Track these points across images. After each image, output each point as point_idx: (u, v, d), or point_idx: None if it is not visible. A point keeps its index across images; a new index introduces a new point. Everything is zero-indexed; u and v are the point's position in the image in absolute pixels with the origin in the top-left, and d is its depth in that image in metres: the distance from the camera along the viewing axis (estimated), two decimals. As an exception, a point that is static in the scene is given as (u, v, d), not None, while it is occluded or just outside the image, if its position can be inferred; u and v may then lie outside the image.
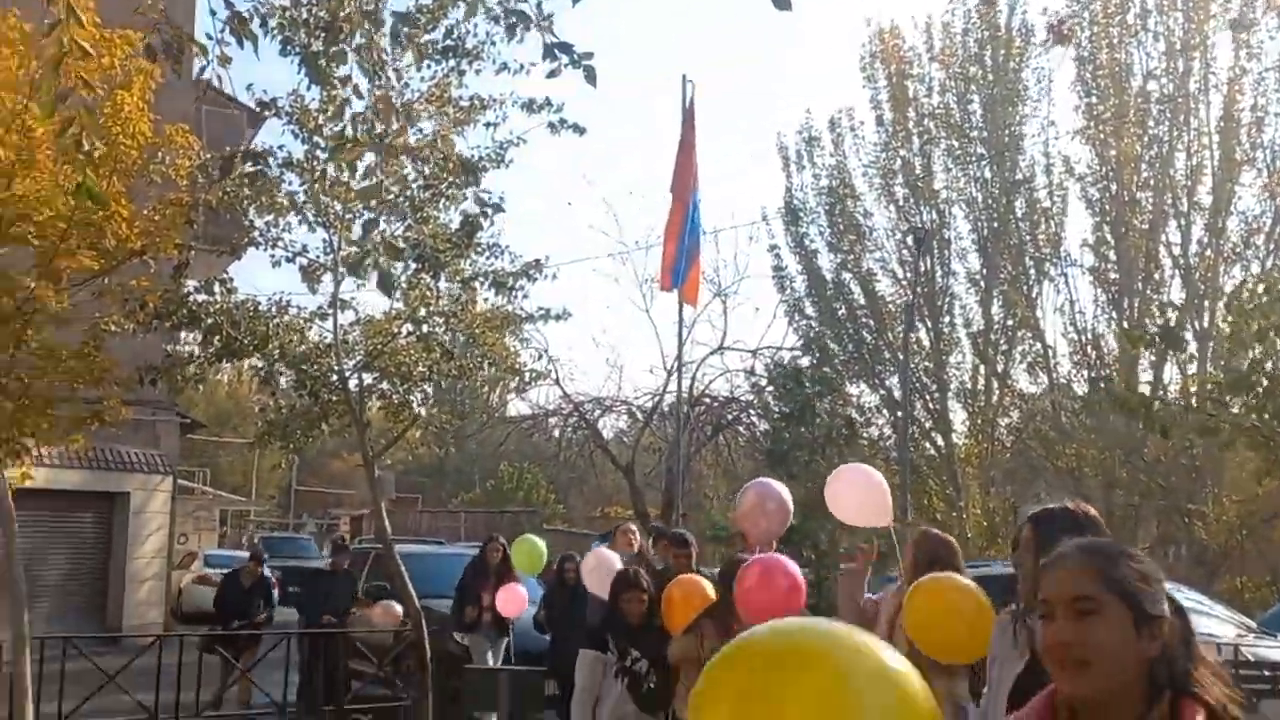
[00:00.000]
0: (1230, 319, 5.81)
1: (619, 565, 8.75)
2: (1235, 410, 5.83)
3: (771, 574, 5.50)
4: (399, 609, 11.43)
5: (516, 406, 35.41)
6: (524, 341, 12.41)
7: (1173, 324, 6.67)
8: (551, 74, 3.43)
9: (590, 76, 3.37)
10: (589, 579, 8.93)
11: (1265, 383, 5.79)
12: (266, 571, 14.07)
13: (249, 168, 8.96)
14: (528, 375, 12.08)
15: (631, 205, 61.97)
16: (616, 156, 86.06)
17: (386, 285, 6.85)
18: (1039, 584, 2.07)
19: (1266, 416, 5.58)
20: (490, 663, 11.07)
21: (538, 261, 10.43)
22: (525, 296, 10.61)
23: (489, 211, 8.94)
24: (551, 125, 9.43)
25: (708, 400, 23.96)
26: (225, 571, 24.19)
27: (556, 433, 28.48)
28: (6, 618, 9.63)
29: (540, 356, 16.62)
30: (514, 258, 10.36)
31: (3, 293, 8.57)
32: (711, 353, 23.09)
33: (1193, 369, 21.06)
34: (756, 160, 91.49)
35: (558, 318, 10.98)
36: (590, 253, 70.49)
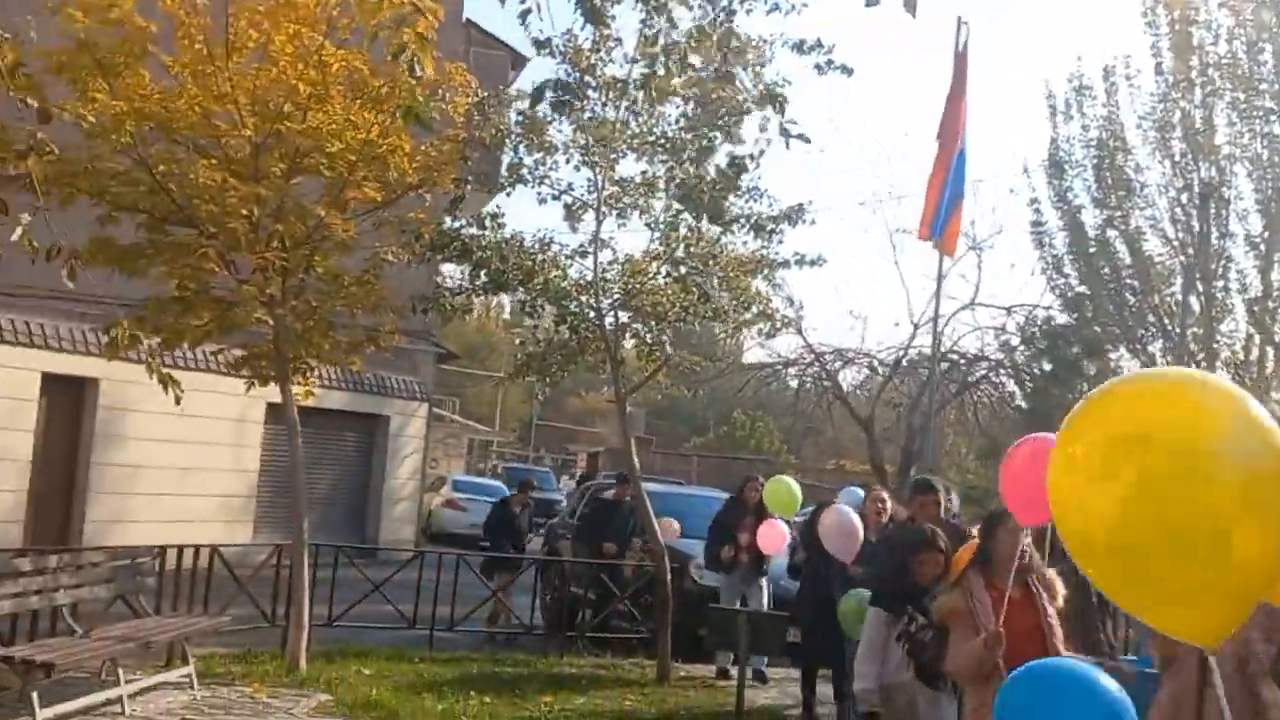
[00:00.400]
0: None
1: (858, 528, 8.52)
2: None
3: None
4: (677, 525, 11.74)
5: (754, 354, 35.40)
6: (776, 287, 12.33)
7: None
8: (871, 2, 3.30)
9: (910, 4, 3.21)
10: (828, 539, 8.65)
11: None
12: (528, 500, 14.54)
13: (552, 97, 9.30)
14: (778, 321, 12.00)
15: (888, 152, 60.49)
16: (879, 102, 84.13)
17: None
18: None
19: None
20: (746, 603, 11.04)
21: (800, 206, 10.32)
22: (782, 242, 10.53)
23: (790, 139, 8.70)
24: (818, 67, 9.26)
25: (955, 356, 23.25)
26: (472, 498, 25.33)
27: (794, 382, 28.25)
28: (286, 523, 10.37)
29: (791, 303, 16.49)
30: (772, 201, 10.29)
31: (297, 219, 9.12)
32: (962, 308, 22.34)
33: None
34: (1021, 110, 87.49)
35: (813, 263, 10.85)
36: (838, 200, 69.11)
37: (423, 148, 9.65)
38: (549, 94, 9.45)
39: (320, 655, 9.96)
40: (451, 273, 12.78)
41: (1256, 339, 23.69)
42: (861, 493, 9.70)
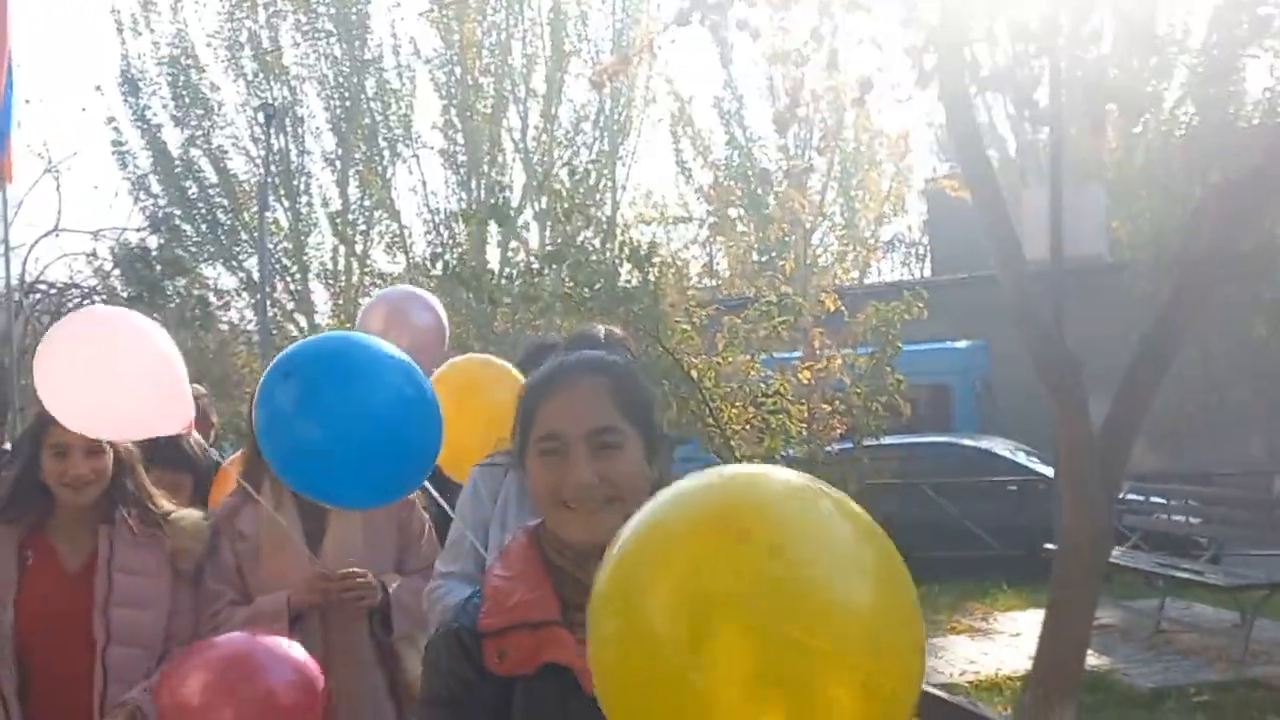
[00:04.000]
0: (548, 200, 6.54)
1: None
2: (550, 280, 6.63)
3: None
4: None
5: None
6: None
7: (503, 203, 7.36)
8: None
9: None
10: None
11: (579, 256, 6.64)
12: None
13: None
14: None
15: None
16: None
17: None
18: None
19: (575, 284, 6.43)
20: None
21: None
22: None
23: None
24: None
25: (44, 287, 21.81)
26: None
27: None
28: None
29: None
30: None
31: None
32: (45, 235, 20.97)
33: (535, 244, 23.01)
34: (85, 20, 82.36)
35: None
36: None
37: None
38: None
39: None
40: None
41: (342, 250, 25.75)
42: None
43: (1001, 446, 12.44)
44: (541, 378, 1.73)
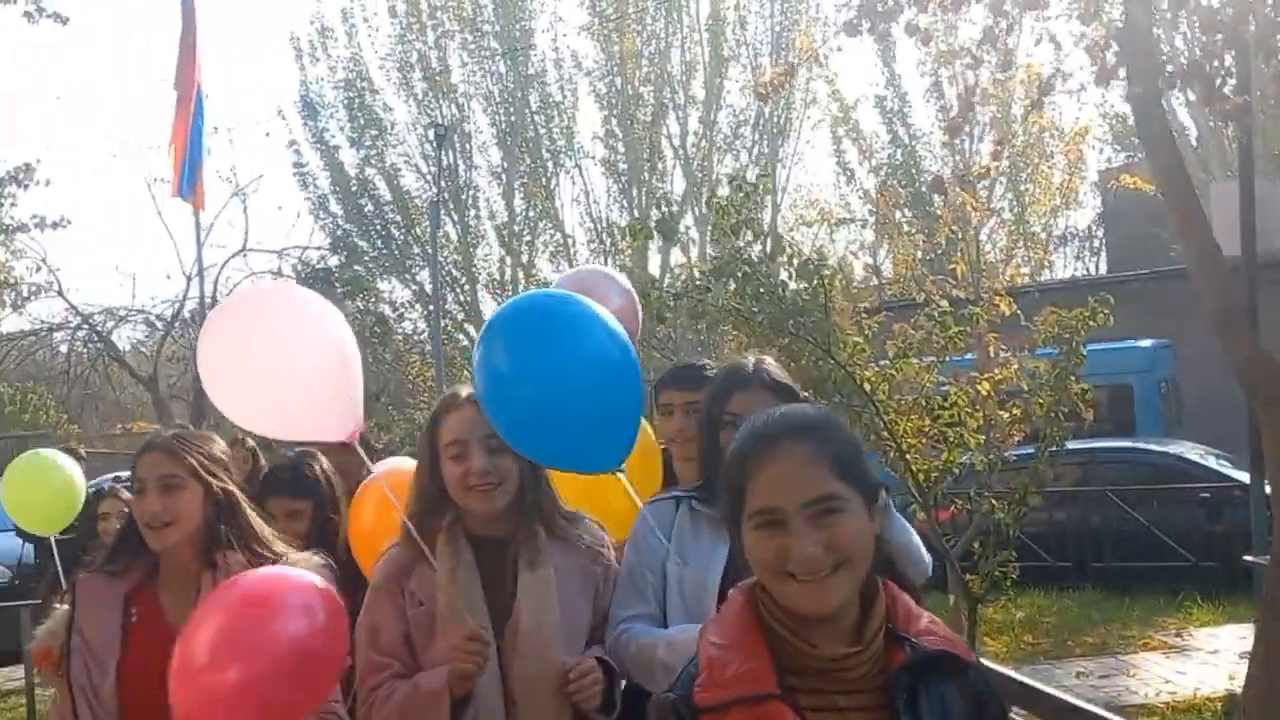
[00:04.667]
0: (713, 216, 6.54)
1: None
2: (720, 294, 6.62)
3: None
4: None
5: (11, 322, 31.92)
6: (16, 254, 11.35)
7: (669, 215, 7.41)
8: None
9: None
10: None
11: (745, 269, 6.60)
12: None
13: None
14: (25, 290, 11.08)
15: (133, 98, 56.86)
16: (113, 42, 77.95)
17: None
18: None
19: (743, 299, 6.40)
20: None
21: (28, 165, 9.54)
22: (14, 204, 9.72)
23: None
24: (28, 14, 8.60)
25: (233, 306, 22.98)
26: None
27: (64, 348, 26.11)
28: None
29: (39, 268, 15.19)
30: (-2, 162, 9.42)
31: None
32: (233, 255, 22.08)
33: (695, 254, 23.07)
34: (267, 49, 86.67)
35: (55, 225, 10.17)
36: (86, 155, 63.72)
37: None
38: None
39: None
40: None
41: (508, 261, 26.38)
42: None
43: (1192, 451, 11.83)
44: (747, 447, 1.66)
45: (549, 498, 2.70)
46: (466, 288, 26.19)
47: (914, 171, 24.33)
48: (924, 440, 6.44)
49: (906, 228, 21.60)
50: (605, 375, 2.62)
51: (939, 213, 15.85)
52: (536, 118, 25.44)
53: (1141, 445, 12.18)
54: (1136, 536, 10.75)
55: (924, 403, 6.49)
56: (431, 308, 23.97)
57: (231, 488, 2.73)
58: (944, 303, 7.15)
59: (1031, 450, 6.96)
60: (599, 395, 2.58)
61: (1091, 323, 6.58)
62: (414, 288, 26.22)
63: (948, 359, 7.23)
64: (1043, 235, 24.10)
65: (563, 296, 2.86)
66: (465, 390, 2.69)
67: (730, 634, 1.64)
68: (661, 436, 3.51)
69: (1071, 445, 11.38)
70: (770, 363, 2.86)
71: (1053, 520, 11.24)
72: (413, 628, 2.57)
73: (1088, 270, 29.48)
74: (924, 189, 22.45)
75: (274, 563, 2.62)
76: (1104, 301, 6.61)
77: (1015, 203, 23.34)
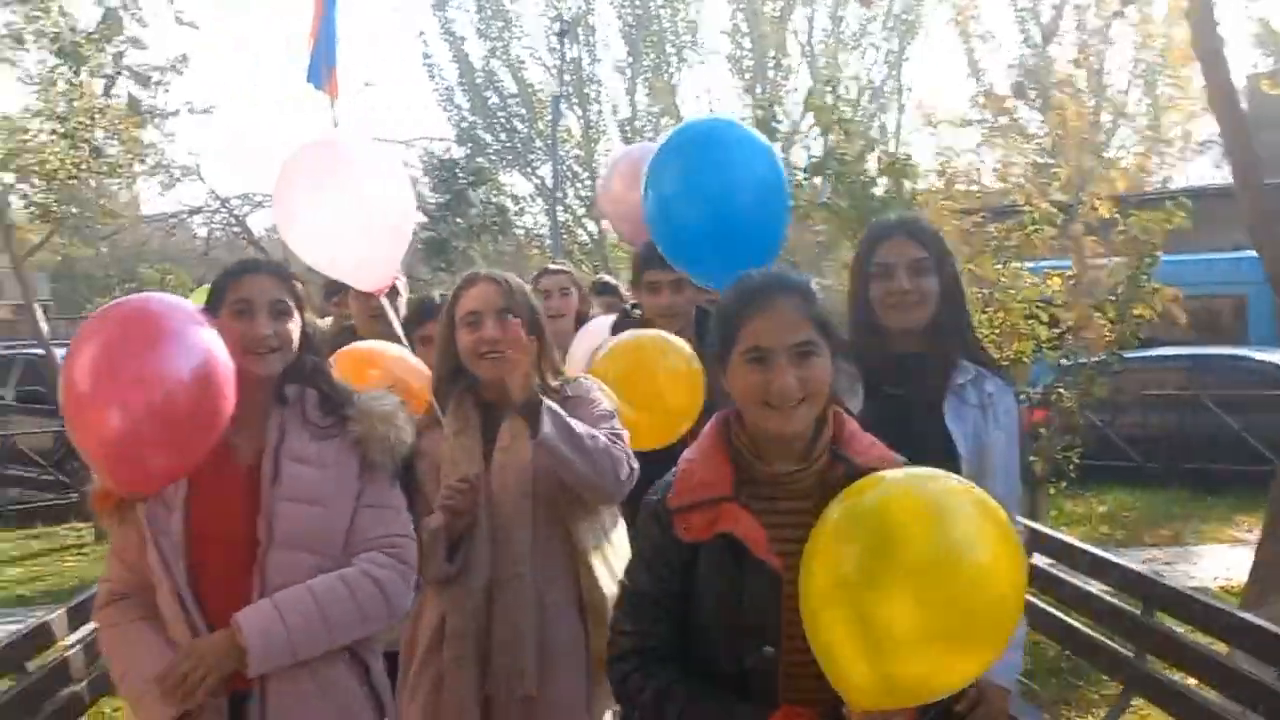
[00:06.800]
0: (809, 114, 6.93)
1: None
2: (807, 190, 7.04)
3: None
4: None
5: (154, 205, 33.43)
6: (170, 137, 12.24)
7: (772, 114, 7.75)
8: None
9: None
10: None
11: (839, 166, 7.00)
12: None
13: None
14: (176, 172, 11.99)
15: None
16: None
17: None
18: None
19: (835, 194, 6.82)
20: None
21: (184, 55, 10.32)
22: (168, 91, 10.53)
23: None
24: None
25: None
26: None
27: (203, 231, 27.50)
28: None
29: (188, 153, 16.21)
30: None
31: None
32: (364, 144, 22.90)
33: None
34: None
35: (203, 111, 10.97)
36: (243, 44, 65.65)
37: None
38: None
39: None
40: None
41: (629, 155, 26.70)
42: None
43: (1294, 358, 11.78)
44: (743, 297, 2.03)
45: (551, 365, 2.92)
46: (587, 182, 26.63)
47: (1044, 73, 23.77)
48: (995, 333, 6.81)
49: (1015, 134, 21.28)
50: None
51: (1051, 121, 15.72)
52: (662, 11, 25.49)
53: (1242, 353, 12.19)
54: (1229, 441, 10.88)
55: (998, 299, 6.84)
56: (551, 202, 24.60)
57: (317, 321, 2.84)
58: (1044, 205, 7.42)
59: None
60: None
61: (1168, 225, 6.82)
62: (535, 181, 26.78)
63: (1040, 260, 7.50)
64: (1180, 141, 23.43)
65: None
66: (484, 270, 2.95)
67: (701, 452, 2.06)
68: (649, 313, 3.68)
69: (1173, 351, 11.53)
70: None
71: (1147, 423, 11.46)
72: (423, 480, 2.82)
73: (1227, 181, 28.49)
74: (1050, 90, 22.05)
75: (348, 399, 2.61)
76: (1182, 205, 6.83)
77: (1151, 107, 22.73)
